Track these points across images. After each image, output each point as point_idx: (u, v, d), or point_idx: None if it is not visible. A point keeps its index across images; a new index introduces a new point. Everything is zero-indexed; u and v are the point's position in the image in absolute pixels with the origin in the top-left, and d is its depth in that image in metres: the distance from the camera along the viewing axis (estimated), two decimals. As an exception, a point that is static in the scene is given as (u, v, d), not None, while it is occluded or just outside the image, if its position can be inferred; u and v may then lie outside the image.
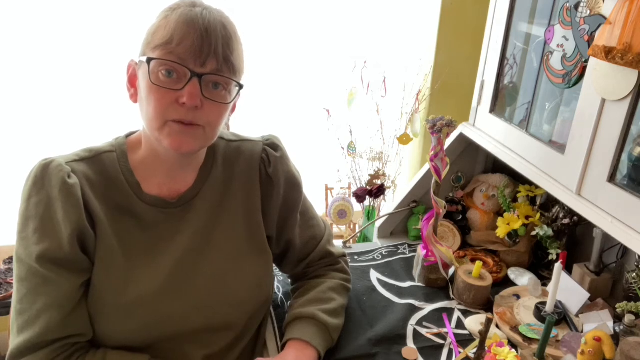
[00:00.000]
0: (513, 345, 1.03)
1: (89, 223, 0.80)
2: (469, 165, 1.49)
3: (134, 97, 0.84)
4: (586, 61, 0.97)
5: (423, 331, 1.07)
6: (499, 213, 1.37)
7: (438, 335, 1.06)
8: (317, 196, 1.97)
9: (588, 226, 1.21)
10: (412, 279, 1.26)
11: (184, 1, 0.80)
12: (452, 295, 1.20)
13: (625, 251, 1.16)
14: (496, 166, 1.47)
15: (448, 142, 1.40)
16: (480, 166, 1.50)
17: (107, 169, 0.85)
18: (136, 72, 0.83)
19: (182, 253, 0.87)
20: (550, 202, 1.30)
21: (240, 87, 0.84)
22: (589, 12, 0.95)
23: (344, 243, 1.42)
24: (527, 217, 1.28)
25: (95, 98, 1.66)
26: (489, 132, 1.30)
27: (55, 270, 0.78)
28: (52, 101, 1.64)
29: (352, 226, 2.08)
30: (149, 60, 0.77)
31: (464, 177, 1.49)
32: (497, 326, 1.08)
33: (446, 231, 1.41)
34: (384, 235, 1.49)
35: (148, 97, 0.78)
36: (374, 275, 1.26)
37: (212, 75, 0.78)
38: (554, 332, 1.03)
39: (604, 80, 0.90)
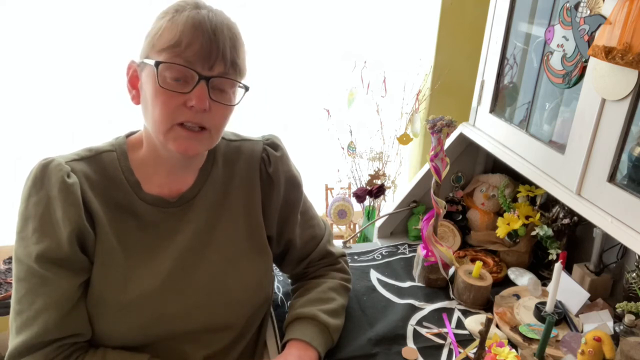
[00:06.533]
0: (513, 345, 1.03)
1: (89, 222, 0.80)
2: (469, 165, 1.49)
3: (136, 99, 0.84)
4: (586, 61, 0.96)
5: (423, 331, 1.07)
6: (499, 213, 1.38)
7: (438, 335, 1.06)
8: (317, 196, 1.97)
9: (588, 226, 1.21)
10: (412, 279, 1.25)
11: (187, 2, 0.79)
12: (452, 295, 1.20)
13: (625, 251, 1.16)
14: (496, 166, 1.47)
15: (448, 142, 1.40)
16: (480, 166, 1.50)
17: (107, 168, 0.84)
18: (137, 73, 0.82)
19: (182, 252, 0.87)
20: (550, 202, 1.30)
21: (246, 89, 0.84)
22: (589, 12, 0.95)
23: (344, 243, 1.42)
24: (527, 217, 1.28)
25: (95, 99, 1.66)
26: (489, 132, 1.30)
27: (54, 270, 0.78)
28: (53, 102, 1.63)
29: (352, 226, 2.08)
30: (157, 63, 0.76)
31: (464, 177, 1.49)
32: (497, 326, 1.08)
33: (446, 231, 1.41)
34: (384, 235, 1.49)
35: (155, 100, 0.78)
36: (374, 275, 1.26)
37: (220, 79, 0.78)
38: (554, 332, 1.03)
39: (604, 80, 0.90)
